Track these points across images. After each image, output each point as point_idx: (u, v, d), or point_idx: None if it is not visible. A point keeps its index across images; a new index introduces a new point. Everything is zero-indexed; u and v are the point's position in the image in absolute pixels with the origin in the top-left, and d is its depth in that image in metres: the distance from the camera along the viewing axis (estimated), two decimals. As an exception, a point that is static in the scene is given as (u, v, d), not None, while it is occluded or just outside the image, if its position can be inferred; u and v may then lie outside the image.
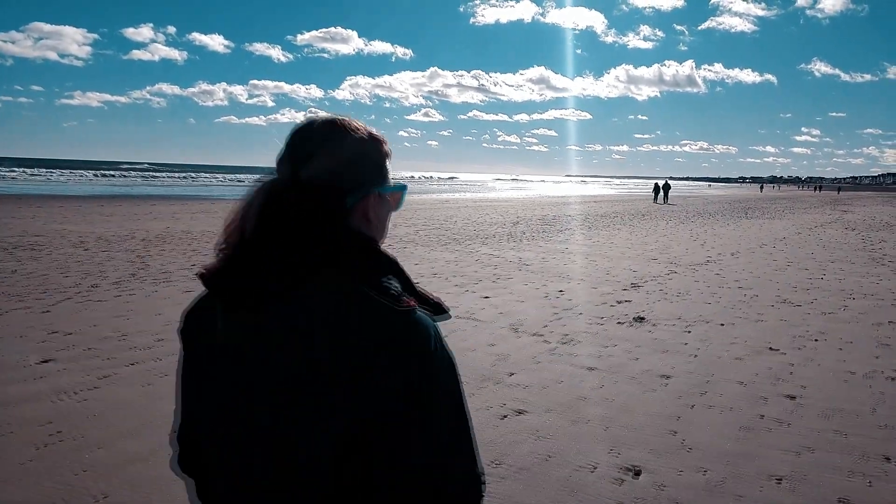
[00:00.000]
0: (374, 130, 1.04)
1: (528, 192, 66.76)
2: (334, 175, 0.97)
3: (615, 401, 4.64)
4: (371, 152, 1.03)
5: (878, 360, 5.87)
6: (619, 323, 7.24)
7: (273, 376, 0.90)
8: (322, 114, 1.05)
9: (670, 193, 43.09)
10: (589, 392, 4.83)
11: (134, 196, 33.77)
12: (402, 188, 1.08)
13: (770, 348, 6.31)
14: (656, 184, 43.36)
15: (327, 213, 0.94)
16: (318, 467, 0.89)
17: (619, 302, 8.48)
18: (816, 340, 6.70)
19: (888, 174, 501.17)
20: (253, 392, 0.91)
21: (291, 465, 0.90)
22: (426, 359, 0.90)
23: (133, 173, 78.14)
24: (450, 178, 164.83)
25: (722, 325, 7.35)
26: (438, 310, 0.99)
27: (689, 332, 6.94)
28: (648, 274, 10.94)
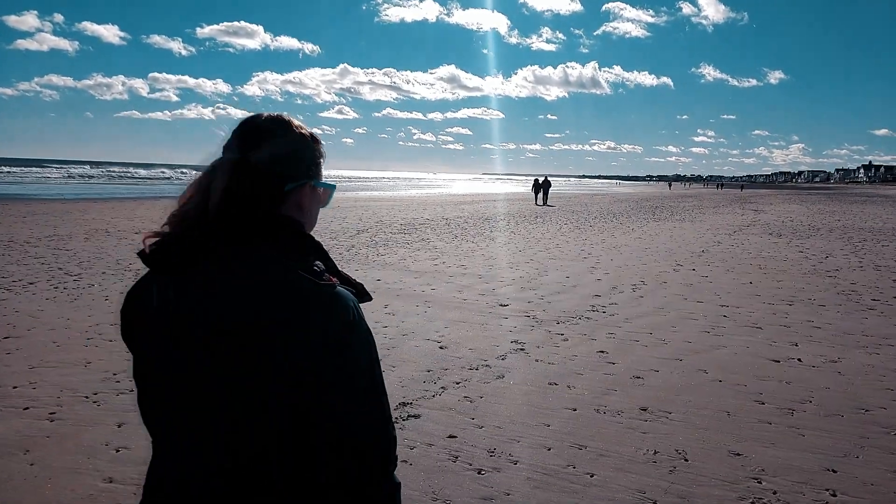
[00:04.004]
0: (314, 132, 1.15)
1: (424, 191, 61.47)
2: (277, 162, 1.06)
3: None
4: (310, 149, 1.12)
5: None
6: None
7: (199, 335, 0.96)
8: (266, 112, 1.12)
9: (550, 192, 35.31)
10: None
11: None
12: (332, 187, 1.17)
13: None
14: (536, 180, 35.19)
15: (267, 192, 1.03)
16: (241, 424, 0.95)
17: None
18: None
19: (780, 173, 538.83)
20: (182, 353, 0.97)
21: (220, 421, 0.96)
22: (345, 328, 0.97)
23: (17, 169, 68.85)
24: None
25: None
26: (361, 293, 1.06)
27: None
28: (449, 365, 5.36)
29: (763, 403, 4.38)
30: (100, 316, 6.60)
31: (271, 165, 1.04)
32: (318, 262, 1.02)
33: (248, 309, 0.94)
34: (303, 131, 1.11)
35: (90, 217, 19.10)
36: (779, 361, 5.37)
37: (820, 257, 12.67)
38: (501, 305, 7.30)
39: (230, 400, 0.95)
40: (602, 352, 5.58)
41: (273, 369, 0.93)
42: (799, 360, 5.42)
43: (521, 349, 5.64)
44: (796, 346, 5.88)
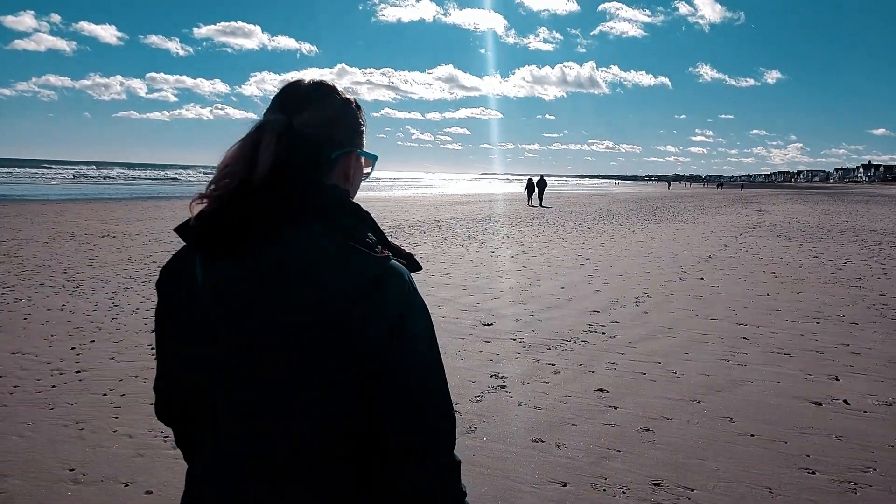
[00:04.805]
0: (356, 99, 1.08)
1: (420, 191, 60.43)
2: (323, 127, 1.00)
3: None
4: (354, 115, 1.05)
5: None
6: None
7: (261, 320, 0.90)
8: (309, 77, 1.06)
9: (546, 192, 33.49)
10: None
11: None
12: (374, 157, 1.09)
13: None
14: (530, 180, 32.47)
15: (315, 160, 0.99)
16: (314, 409, 0.92)
17: None
18: None
19: (778, 172, 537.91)
20: (241, 339, 0.92)
21: (289, 407, 0.92)
22: (404, 302, 0.94)
23: (13, 170, 67.24)
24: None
25: None
26: (412, 263, 1.01)
27: None
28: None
29: (813, 472, 3.34)
30: (8, 340, 5.56)
31: (318, 130, 0.99)
32: (370, 235, 0.97)
33: (311, 291, 0.90)
34: (347, 97, 1.06)
35: (63, 219, 18.13)
36: (820, 404, 4.34)
37: (837, 263, 11.65)
38: (485, 325, 6.27)
39: (295, 387, 0.91)
40: (601, 390, 4.54)
41: (342, 351, 0.90)
42: (845, 402, 4.38)
43: (503, 386, 4.61)
44: (837, 380, 4.85)
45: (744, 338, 6.09)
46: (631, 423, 3.97)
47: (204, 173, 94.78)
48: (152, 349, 5.41)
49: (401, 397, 0.93)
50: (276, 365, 0.91)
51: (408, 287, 0.95)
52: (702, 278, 9.69)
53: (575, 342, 5.87)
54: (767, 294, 8.41)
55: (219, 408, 0.96)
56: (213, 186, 0.96)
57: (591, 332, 6.27)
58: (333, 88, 1.04)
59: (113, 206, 24.51)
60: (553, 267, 10.72)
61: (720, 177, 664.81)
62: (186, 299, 0.97)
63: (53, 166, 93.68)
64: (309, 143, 0.98)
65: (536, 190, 32.25)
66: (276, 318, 0.90)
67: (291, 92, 1.02)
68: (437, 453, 0.95)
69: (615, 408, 4.21)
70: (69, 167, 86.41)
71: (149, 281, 8.67)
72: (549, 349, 5.62)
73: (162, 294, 1.03)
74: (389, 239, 1.02)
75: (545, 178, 32.74)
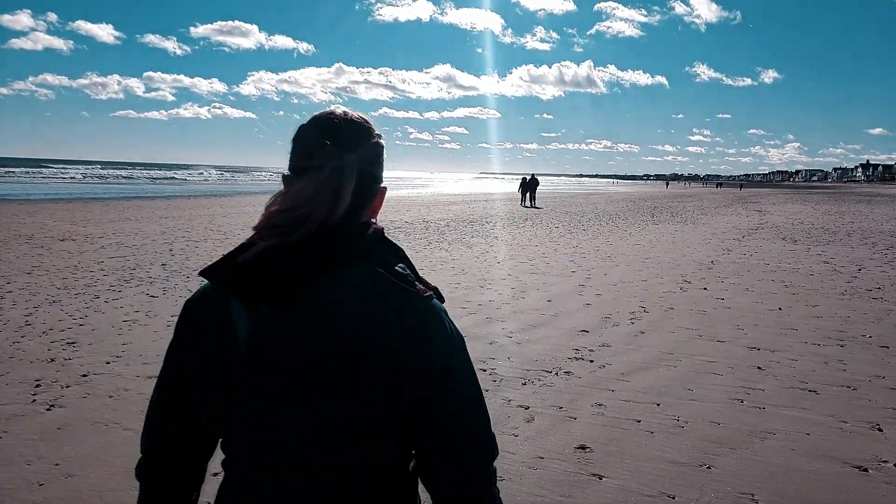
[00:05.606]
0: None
1: (416, 191, 59.51)
2: (371, 164, 1.00)
3: None
4: (384, 150, 1.05)
5: None
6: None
7: (308, 361, 0.90)
8: (332, 108, 1.03)
9: (538, 192, 32.23)
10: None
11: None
12: (385, 188, 1.08)
13: None
14: (523, 179, 31.71)
15: (371, 199, 1.01)
16: (358, 448, 0.92)
17: None
18: None
19: (777, 172, 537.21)
20: (287, 380, 0.91)
21: (341, 450, 0.92)
22: (449, 338, 0.96)
23: (19, 170, 66.35)
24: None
25: None
26: (439, 296, 1.02)
27: None
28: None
29: None
30: None
31: (369, 167, 1.00)
32: (407, 271, 0.99)
33: (360, 331, 0.90)
34: (377, 131, 1.05)
35: (32, 220, 17.22)
36: (866, 470, 3.36)
37: (851, 270, 10.69)
38: (452, 350, 5.31)
39: (339, 426, 0.91)
40: (583, 448, 3.57)
41: (389, 389, 0.90)
42: (897, 466, 3.41)
43: (459, 442, 3.63)
44: (880, 430, 3.88)
45: (758, 367, 5.12)
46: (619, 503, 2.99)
47: (201, 174, 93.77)
48: (38, 384, 4.42)
49: (447, 438, 0.95)
50: (320, 406, 0.90)
51: (447, 323, 0.97)
52: (705, 289, 8.72)
53: (556, 374, 4.89)
54: (780, 308, 7.44)
55: (256, 445, 0.95)
56: (276, 224, 0.92)
57: (577, 359, 5.30)
58: (368, 122, 1.03)
59: (92, 206, 23.57)
60: (541, 275, 9.75)
61: (719, 176, 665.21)
62: (220, 341, 0.94)
63: (52, 166, 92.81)
64: (369, 181, 0.99)
65: (529, 190, 31.14)
66: (324, 358, 0.89)
67: (342, 126, 0.99)
68: (482, 489, 0.97)
69: (600, 477, 3.23)
70: (68, 167, 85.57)
71: (82, 293, 7.69)
72: (525, 384, 4.65)
73: (189, 332, 0.99)
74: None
75: (536, 177, 31.58)
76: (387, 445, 0.94)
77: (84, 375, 4.68)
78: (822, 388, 4.63)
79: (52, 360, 5.00)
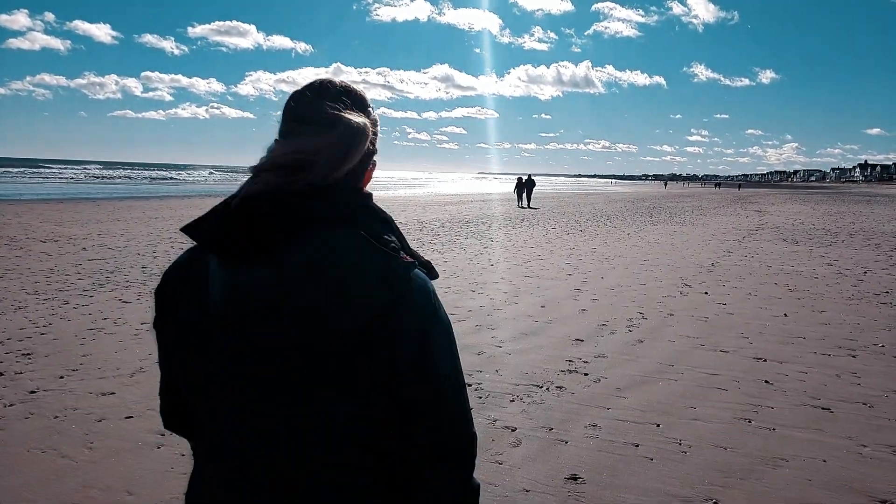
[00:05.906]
0: None
1: (413, 191, 59.15)
2: (374, 135, 0.99)
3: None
4: (376, 122, 1.02)
5: None
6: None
7: (286, 324, 0.85)
8: (322, 77, 1.00)
9: (541, 192, 31.54)
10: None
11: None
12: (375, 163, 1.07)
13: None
14: (519, 179, 31.14)
15: (365, 168, 0.99)
16: (343, 421, 0.88)
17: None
18: None
19: (775, 172, 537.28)
20: (263, 342, 0.86)
21: (309, 411, 0.87)
22: (428, 315, 0.91)
23: (16, 171, 66.14)
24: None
25: None
26: (430, 270, 0.97)
27: None
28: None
29: None
30: None
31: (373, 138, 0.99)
32: (394, 239, 0.94)
33: (339, 295, 0.85)
34: (370, 103, 1.03)
35: (17, 220, 16.86)
36: (893, 505, 2.98)
37: (857, 273, 10.33)
38: (436, 362, 4.93)
39: (317, 390, 0.86)
40: (574, 478, 3.19)
41: (367, 357, 0.86)
42: (928, 501, 3.03)
43: (436, 471, 3.24)
44: (903, 455, 3.50)
45: (765, 381, 4.74)
46: (615, 547, 2.61)
47: (203, 175, 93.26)
48: (-23, 405, 4.03)
49: (419, 415, 0.91)
50: (299, 369, 0.86)
51: (432, 296, 0.93)
52: (706, 293, 8.35)
53: (548, 389, 4.52)
54: (785, 315, 7.07)
55: (233, 411, 0.90)
56: (279, 164, 0.89)
57: (571, 371, 4.92)
58: (362, 94, 1.01)
59: (83, 207, 23.16)
60: (536, 278, 9.37)
61: (717, 176, 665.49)
62: (198, 306, 0.90)
63: (51, 166, 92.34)
64: (370, 150, 0.97)
65: (525, 191, 30.64)
66: (304, 321, 0.85)
67: (345, 93, 0.97)
68: (460, 470, 0.94)
69: (593, 517, 2.85)
70: (66, 168, 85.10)
71: (51, 298, 7.30)
72: (513, 400, 4.27)
73: (165, 300, 0.95)
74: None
75: (532, 177, 31.13)
76: (369, 418, 0.89)
77: (32, 392, 4.29)
78: (836, 406, 4.25)
79: (2, 375, 4.61)
